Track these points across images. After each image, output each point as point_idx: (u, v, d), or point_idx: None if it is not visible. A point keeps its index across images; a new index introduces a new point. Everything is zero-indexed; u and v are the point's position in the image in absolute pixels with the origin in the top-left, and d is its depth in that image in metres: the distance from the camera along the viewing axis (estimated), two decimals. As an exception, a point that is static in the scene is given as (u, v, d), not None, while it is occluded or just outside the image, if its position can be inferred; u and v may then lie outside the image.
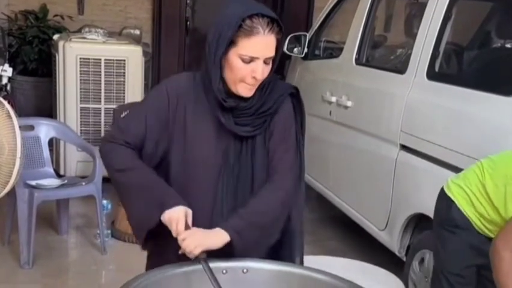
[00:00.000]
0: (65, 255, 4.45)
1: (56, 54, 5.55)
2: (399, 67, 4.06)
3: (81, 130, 5.47)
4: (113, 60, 5.48)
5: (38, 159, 4.55)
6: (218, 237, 1.89)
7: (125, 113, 5.02)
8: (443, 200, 2.73)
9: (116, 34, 6.88)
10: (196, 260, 1.84)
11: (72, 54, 5.40)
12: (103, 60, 5.46)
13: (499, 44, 3.86)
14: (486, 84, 3.25)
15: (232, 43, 1.88)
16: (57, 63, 5.53)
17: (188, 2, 7.79)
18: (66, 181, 4.47)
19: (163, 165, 2.07)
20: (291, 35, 5.35)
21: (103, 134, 5.53)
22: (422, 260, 3.46)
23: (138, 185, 1.99)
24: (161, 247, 2.09)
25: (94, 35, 5.78)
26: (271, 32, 1.88)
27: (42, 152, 4.56)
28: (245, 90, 1.93)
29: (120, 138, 2.03)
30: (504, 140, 2.96)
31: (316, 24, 5.39)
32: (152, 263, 2.14)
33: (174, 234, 1.88)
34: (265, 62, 1.91)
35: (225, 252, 1.91)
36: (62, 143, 5.39)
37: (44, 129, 4.58)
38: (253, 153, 2.01)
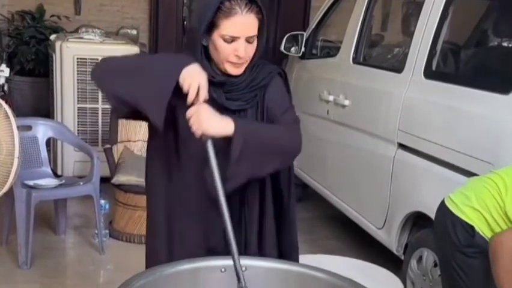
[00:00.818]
0: (63, 255, 4.45)
1: (53, 55, 5.55)
2: (397, 66, 4.07)
3: (78, 130, 5.47)
4: (111, 60, 5.46)
5: (35, 159, 4.55)
6: (222, 126, 1.91)
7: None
8: (455, 223, 2.57)
9: (113, 34, 6.88)
10: (201, 140, 1.88)
11: (69, 54, 5.40)
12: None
13: (496, 43, 3.87)
14: (483, 82, 3.25)
15: (214, 25, 1.97)
16: (54, 63, 5.53)
17: (185, 1, 7.78)
18: (64, 181, 4.47)
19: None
20: (288, 34, 5.36)
21: (100, 134, 5.53)
22: (420, 258, 3.47)
23: (148, 61, 2.03)
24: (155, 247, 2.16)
25: (91, 35, 5.78)
26: (250, 11, 1.97)
27: (40, 152, 4.56)
28: (232, 68, 2.02)
29: None
30: (502, 138, 2.96)
31: (313, 24, 5.39)
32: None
33: (188, 101, 1.90)
34: (248, 41, 2.00)
35: (222, 148, 1.92)
36: (59, 143, 5.39)
37: (42, 129, 4.58)
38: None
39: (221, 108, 2.02)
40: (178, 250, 2.10)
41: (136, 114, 2.01)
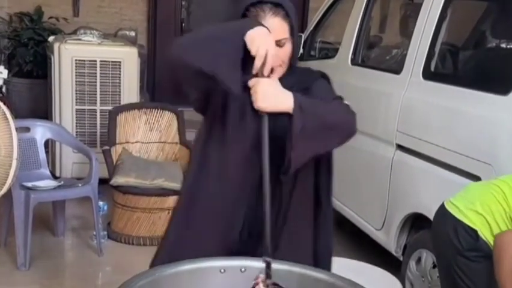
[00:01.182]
0: (62, 257, 4.45)
1: (52, 56, 5.55)
2: (395, 67, 4.07)
3: (76, 132, 5.47)
4: (109, 61, 5.48)
5: (34, 161, 4.54)
6: (280, 102, 1.85)
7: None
8: (458, 227, 2.54)
9: (112, 36, 6.90)
10: (258, 114, 1.86)
11: (67, 56, 5.40)
12: (99, 62, 5.46)
13: (494, 44, 3.87)
14: (481, 83, 3.25)
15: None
16: (52, 65, 5.53)
17: (183, 3, 7.79)
18: (62, 182, 4.46)
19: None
20: (287, 35, 5.36)
21: (98, 136, 5.54)
22: (418, 260, 3.47)
23: (220, 26, 1.93)
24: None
25: (89, 37, 5.78)
26: (275, 15, 1.95)
27: (38, 153, 4.55)
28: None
29: None
30: (500, 139, 2.96)
31: (311, 25, 5.40)
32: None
33: (254, 68, 1.84)
34: (278, 45, 1.94)
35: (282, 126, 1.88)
36: (58, 144, 5.39)
37: (40, 131, 4.57)
38: (284, 128, 1.97)
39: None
40: (193, 244, 2.08)
41: (206, 98, 2.01)
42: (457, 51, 4.03)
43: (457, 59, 3.97)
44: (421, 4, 3.74)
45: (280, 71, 1.99)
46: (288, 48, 1.99)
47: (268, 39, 1.83)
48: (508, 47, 3.75)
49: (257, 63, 1.82)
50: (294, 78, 2.02)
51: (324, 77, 2.12)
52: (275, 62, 1.91)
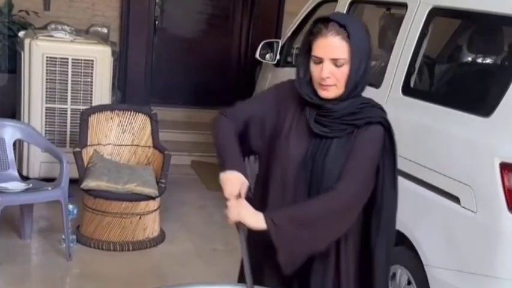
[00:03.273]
0: (29, 261, 4.35)
1: (22, 52, 5.42)
2: (374, 80, 4.03)
3: (46, 130, 5.38)
4: (81, 60, 5.39)
5: (2, 162, 4.44)
6: (255, 220, 2.01)
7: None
8: None
9: (83, 32, 6.76)
10: (237, 228, 2.04)
11: (38, 52, 5.30)
12: (70, 60, 5.37)
13: (477, 63, 3.86)
14: (463, 103, 3.23)
15: (310, 48, 2.08)
16: (22, 61, 5.41)
17: (157, 1, 7.69)
18: (31, 185, 4.35)
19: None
20: (264, 41, 5.33)
21: (68, 135, 5.43)
22: (393, 275, 3.46)
23: (222, 146, 2.19)
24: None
25: (61, 33, 5.66)
26: (336, 34, 2.02)
27: (6, 154, 4.45)
28: (320, 90, 2.08)
29: (229, 114, 2.25)
30: (481, 162, 2.95)
31: (289, 31, 5.36)
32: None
33: (225, 195, 2.05)
34: (335, 65, 2.03)
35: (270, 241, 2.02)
36: (25, 143, 5.26)
37: (10, 131, 4.47)
38: (326, 154, 2.10)
39: (308, 128, 2.10)
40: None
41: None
42: (437, 69, 4.02)
43: (437, 76, 3.95)
44: (402, 18, 3.72)
45: (334, 91, 2.06)
46: (345, 70, 2.04)
47: (230, 185, 2.05)
48: (492, 67, 3.76)
49: (226, 196, 2.04)
50: (349, 107, 2.08)
51: (382, 124, 2.14)
52: (330, 80, 2.03)
